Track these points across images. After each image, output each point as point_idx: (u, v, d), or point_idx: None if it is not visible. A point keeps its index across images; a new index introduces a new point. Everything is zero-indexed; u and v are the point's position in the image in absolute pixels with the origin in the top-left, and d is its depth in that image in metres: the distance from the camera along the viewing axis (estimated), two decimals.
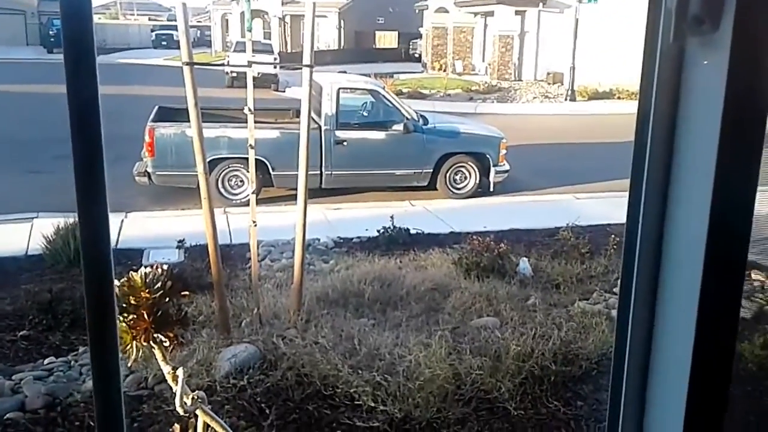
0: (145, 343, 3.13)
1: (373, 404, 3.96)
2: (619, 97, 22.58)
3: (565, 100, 23.20)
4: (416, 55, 39.64)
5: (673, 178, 1.13)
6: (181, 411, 3.03)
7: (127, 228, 7.79)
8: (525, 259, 6.59)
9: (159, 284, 3.18)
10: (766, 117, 0.99)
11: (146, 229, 7.87)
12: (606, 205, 8.63)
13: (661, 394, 1.28)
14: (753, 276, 6.24)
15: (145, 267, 3.31)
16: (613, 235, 6.71)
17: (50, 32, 39.26)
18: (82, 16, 1.15)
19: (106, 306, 1.27)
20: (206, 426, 3.18)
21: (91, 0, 1.16)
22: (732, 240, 1.07)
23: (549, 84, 26.21)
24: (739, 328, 1.21)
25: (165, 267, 3.29)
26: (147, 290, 3.11)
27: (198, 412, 3.11)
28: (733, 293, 1.13)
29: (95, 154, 1.19)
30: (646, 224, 1.19)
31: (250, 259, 5.70)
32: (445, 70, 30.50)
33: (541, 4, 27.86)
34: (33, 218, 7.98)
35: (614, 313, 5.18)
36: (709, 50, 1.00)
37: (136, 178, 9.24)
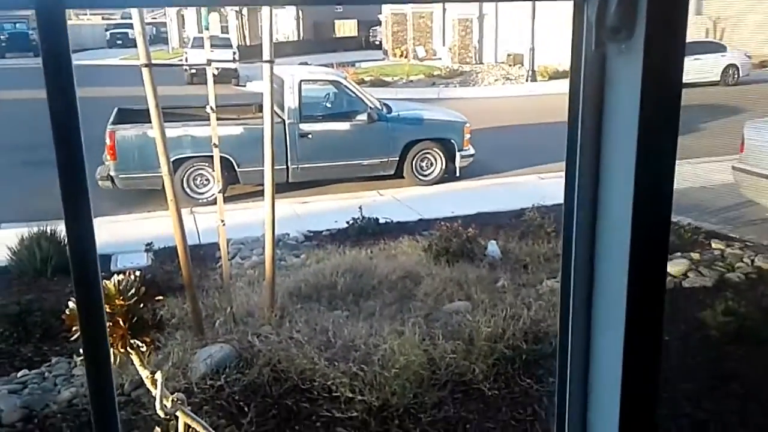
0: (122, 350, 3.14)
1: (350, 395, 4.02)
2: None
3: (526, 81, 23.39)
4: (377, 43, 39.51)
5: (602, 162, 1.29)
6: (161, 414, 3.05)
7: None
8: (493, 241, 6.70)
9: (133, 291, 3.18)
10: (678, 106, 1.15)
11: (113, 234, 7.77)
12: None
13: (600, 353, 1.40)
14: (713, 245, 6.45)
15: (118, 274, 3.31)
16: None
17: (1, 37, 38.19)
18: (58, 28, 1.18)
19: (97, 311, 1.32)
20: (187, 427, 3.20)
21: (66, 12, 1.18)
22: (654, 212, 1.22)
23: (510, 66, 26.36)
24: (667, 288, 1.33)
25: (138, 273, 3.30)
26: (121, 297, 3.12)
27: (178, 413, 3.14)
28: (658, 258, 1.29)
29: (78, 161, 1.23)
30: (581, 202, 1.35)
31: (220, 258, 5.70)
32: (406, 57, 30.49)
33: None
34: None
35: None
36: (625, 53, 1.16)
37: (99, 182, 9.11)
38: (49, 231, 6.44)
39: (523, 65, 25.26)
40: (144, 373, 3.33)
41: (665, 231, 1.24)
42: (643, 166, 1.15)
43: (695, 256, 6.07)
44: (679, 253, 6.00)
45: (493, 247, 6.55)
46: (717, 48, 17.43)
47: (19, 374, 4.46)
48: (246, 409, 3.96)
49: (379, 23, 37.99)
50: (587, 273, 1.39)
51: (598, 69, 1.21)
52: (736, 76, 17.76)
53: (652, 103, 1.12)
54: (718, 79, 17.21)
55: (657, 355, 1.32)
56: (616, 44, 1.15)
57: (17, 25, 40.26)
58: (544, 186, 9.37)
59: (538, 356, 4.42)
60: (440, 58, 30.82)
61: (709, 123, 10.33)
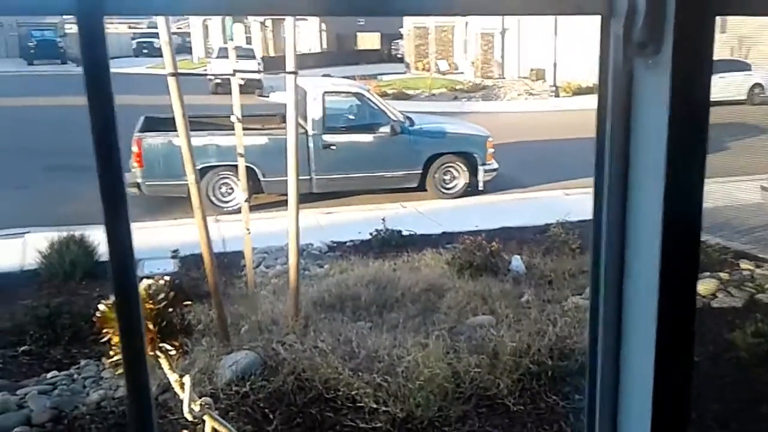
0: (151, 353, 3.18)
1: (374, 405, 4.02)
2: None
3: (549, 96, 23.36)
4: (399, 56, 39.70)
5: (630, 179, 1.29)
6: (189, 417, 3.08)
7: None
8: (517, 256, 6.67)
9: (162, 295, 3.23)
10: (707, 122, 1.14)
11: (140, 241, 7.78)
12: None
13: (630, 373, 1.40)
14: (742, 265, 6.37)
15: (147, 279, 3.36)
16: None
17: (30, 44, 38.92)
18: (97, 33, 1.22)
19: (134, 314, 1.35)
20: (214, 431, 3.22)
21: (104, 19, 1.21)
22: (684, 230, 1.21)
23: (532, 81, 26.36)
24: (697, 305, 1.33)
25: (167, 278, 3.35)
26: (151, 301, 3.16)
27: (206, 417, 3.16)
28: (689, 276, 1.28)
29: (116, 167, 1.27)
30: (610, 219, 1.35)
31: (244, 266, 5.75)
32: (428, 70, 30.59)
33: None
34: (24, 233, 7.95)
35: None
36: (652, 68, 1.16)
37: (126, 189, 9.22)
38: (78, 236, 6.53)
39: (545, 80, 25.25)
40: (172, 377, 3.37)
41: (695, 249, 1.23)
42: (672, 183, 1.15)
43: (724, 276, 6.00)
44: (707, 273, 5.93)
45: (517, 262, 6.53)
46: (742, 66, 17.31)
47: (49, 375, 4.52)
48: (271, 416, 3.97)
49: (401, 37, 38.19)
50: (616, 291, 1.39)
51: (626, 84, 1.21)
52: (762, 95, 17.61)
53: (681, 118, 1.12)
54: (745, 97, 17.07)
55: (688, 375, 1.31)
56: (643, 59, 1.15)
57: (46, 32, 41.04)
58: (569, 202, 9.32)
59: (564, 373, 4.38)
60: (462, 72, 30.92)
61: (736, 142, 10.23)
